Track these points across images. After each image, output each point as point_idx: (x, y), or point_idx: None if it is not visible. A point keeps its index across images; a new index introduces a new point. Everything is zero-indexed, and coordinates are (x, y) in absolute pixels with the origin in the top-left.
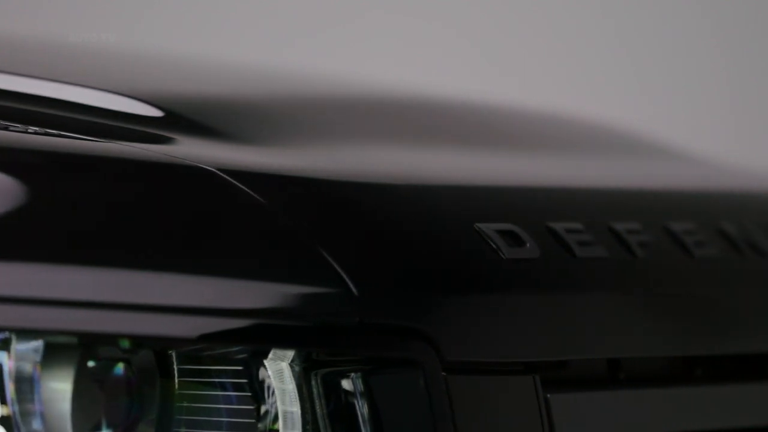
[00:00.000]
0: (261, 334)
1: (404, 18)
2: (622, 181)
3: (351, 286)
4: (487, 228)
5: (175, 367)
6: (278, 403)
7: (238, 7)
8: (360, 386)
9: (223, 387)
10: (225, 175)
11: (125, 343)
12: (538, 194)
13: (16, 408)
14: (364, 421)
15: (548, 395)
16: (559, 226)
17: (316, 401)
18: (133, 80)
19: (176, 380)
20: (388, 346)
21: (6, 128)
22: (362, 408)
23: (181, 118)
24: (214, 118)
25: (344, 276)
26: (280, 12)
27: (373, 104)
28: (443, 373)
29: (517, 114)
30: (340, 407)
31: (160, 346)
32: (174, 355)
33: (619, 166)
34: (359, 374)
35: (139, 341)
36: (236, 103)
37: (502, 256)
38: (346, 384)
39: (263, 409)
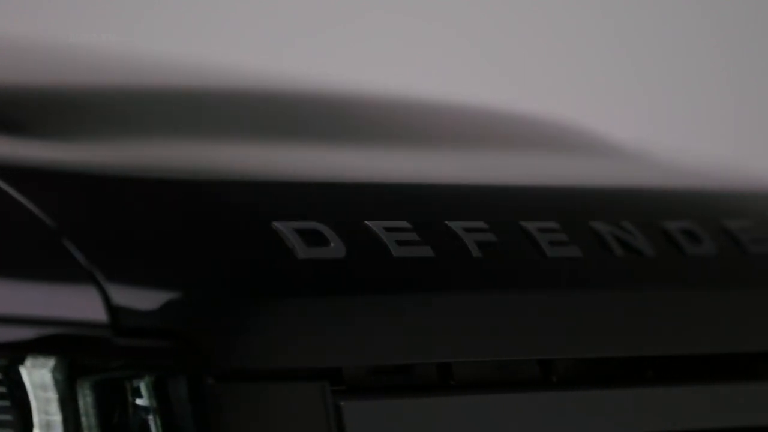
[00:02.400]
0: (11, 341)
1: (404, 18)
2: (483, 176)
3: (106, 287)
4: (286, 226)
5: None
6: (39, 413)
7: (237, 7)
8: (127, 394)
9: None
10: None
11: None
12: (363, 191)
13: None
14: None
15: (341, 403)
16: (377, 225)
17: (82, 409)
18: None
19: None
20: (148, 353)
21: None
22: (129, 417)
23: None
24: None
25: (98, 277)
26: (280, 12)
27: (214, 96)
28: (211, 381)
29: (403, 106)
30: (108, 416)
31: None
32: None
33: (491, 161)
34: (127, 382)
35: None
36: (34, 93)
37: (297, 256)
38: (113, 392)
39: (27, 418)
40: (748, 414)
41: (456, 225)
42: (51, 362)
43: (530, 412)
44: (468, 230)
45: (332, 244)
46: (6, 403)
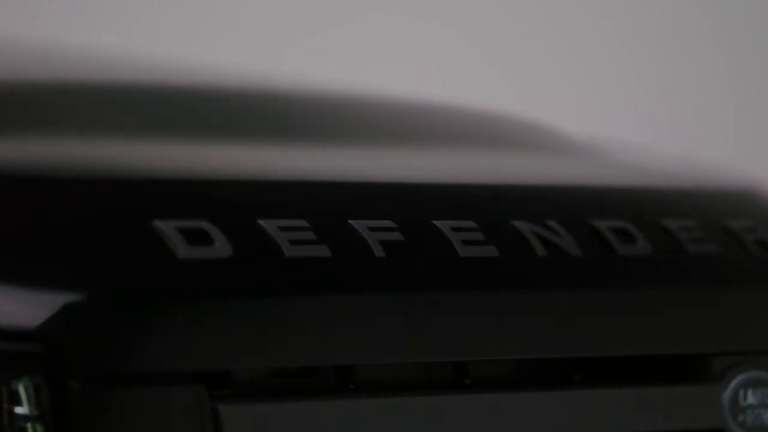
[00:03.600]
0: None
1: (404, 18)
2: (402, 173)
3: None
4: (167, 225)
5: None
6: None
7: (237, 8)
8: (1, 400)
9: None
10: None
11: None
12: (259, 189)
13: None
14: None
15: (220, 407)
16: (270, 223)
17: None
18: None
19: None
20: (10, 357)
21: None
22: (4, 424)
23: None
24: None
25: None
26: (280, 12)
27: (111, 91)
28: (76, 386)
29: (334, 101)
30: None
31: None
32: None
33: (417, 158)
34: (3, 387)
35: None
36: None
37: (177, 255)
38: None
39: None
40: (679, 417)
41: (360, 224)
42: None
43: (440, 415)
44: (373, 229)
45: (217, 244)
46: None
